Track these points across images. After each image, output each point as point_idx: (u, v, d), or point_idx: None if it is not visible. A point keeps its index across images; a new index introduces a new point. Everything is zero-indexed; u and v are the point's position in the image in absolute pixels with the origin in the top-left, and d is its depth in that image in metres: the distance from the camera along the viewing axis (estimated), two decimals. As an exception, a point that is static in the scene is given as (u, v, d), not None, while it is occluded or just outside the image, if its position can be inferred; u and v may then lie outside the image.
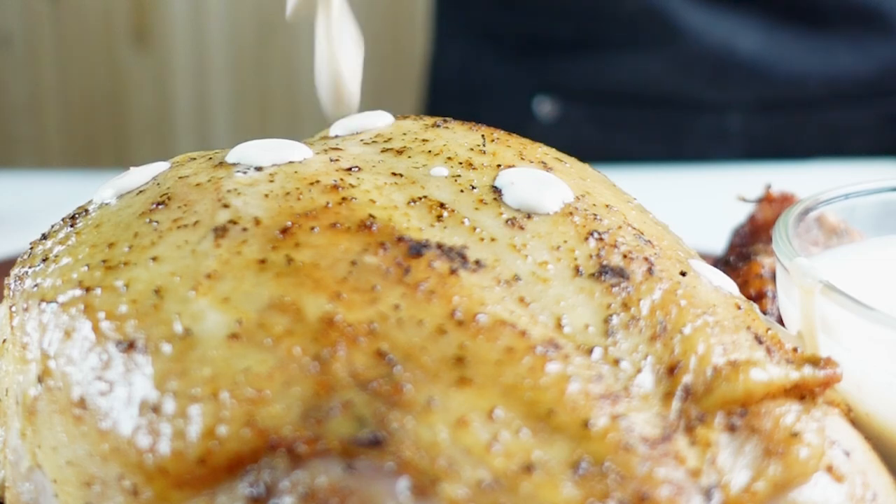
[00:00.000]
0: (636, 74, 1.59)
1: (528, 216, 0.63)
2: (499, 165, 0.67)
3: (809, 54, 1.57)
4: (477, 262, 0.59)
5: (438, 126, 0.72)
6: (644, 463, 0.52)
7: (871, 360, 0.65)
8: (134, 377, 0.56)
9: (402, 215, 0.62)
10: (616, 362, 0.57)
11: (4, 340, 0.64)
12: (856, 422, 0.63)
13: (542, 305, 0.58)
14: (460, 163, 0.67)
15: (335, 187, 0.63)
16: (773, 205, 0.85)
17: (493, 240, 0.61)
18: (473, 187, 0.65)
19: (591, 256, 0.61)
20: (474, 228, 0.62)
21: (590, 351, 0.57)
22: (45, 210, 0.72)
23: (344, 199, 0.62)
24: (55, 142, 2.56)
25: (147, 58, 2.48)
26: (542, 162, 0.69)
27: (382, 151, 0.69)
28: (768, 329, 0.62)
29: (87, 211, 0.67)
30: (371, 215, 0.61)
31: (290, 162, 0.66)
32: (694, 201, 1.20)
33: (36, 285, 0.63)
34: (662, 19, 1.55)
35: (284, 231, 0.60)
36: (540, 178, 0.66)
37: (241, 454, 0.53)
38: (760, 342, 0.60)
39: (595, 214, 0.64)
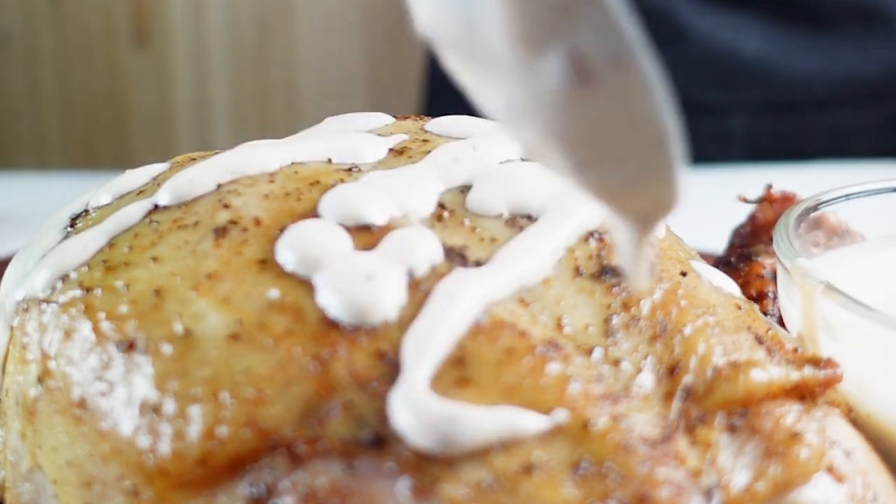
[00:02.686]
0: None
1: (528, 216, 0.63)
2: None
3: (813, 56, 1.57)
4: (477, 263, 0.59)
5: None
6: (644, 463, 0.52)
7: (872, 360, 0.64)
8: (134, 378, 0.56)
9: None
10: (616, 362, 0.57)
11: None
12: (856, 422, 0.63)
13: (543, 306, 0.58)
14: (460, 163, 0.67)
15: (335, 188, 0.63)
16: (774, 205, 0.85)
17: (493, 240, 0.61)
18: (474, 187, 0.65)
19: (591, 256, 0.61)
20: (474, 228, 0.62)
21: (590, 351, 0.57)
22: (45, 210, 0.72)
23: (344, 199, 0.62)
24: (55, 142, 2.56)
25: (147, 58, 2.48)
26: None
27: (383, 151, 0.69)
28: (769, 329, 0.62)
29: (86, 212, 0.67)
30: (371, 215, 0.61)
31: (292, 162, 0.66)
32: (695, 201, 1.20)
33: (36, 285, 0.63)
34: (666, 21, 1.55)
35: (284, 230, 0.60)
36: (540, 179, 0.66)
37: (241, 454, 0.53)
38: (761, 342, 0.60)
39: (595, 215, 0.64)
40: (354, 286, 0.56)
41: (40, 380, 0.59)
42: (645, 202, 0.48)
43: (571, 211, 0.63)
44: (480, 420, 0.52)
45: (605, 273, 0.60)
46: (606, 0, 0.43)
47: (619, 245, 0.50)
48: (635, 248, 0.50)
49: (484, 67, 0.46)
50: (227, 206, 0.62)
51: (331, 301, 0.56)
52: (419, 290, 0.57)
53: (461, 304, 0.56)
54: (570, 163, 0.47)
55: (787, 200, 0.85)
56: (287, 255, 0.58)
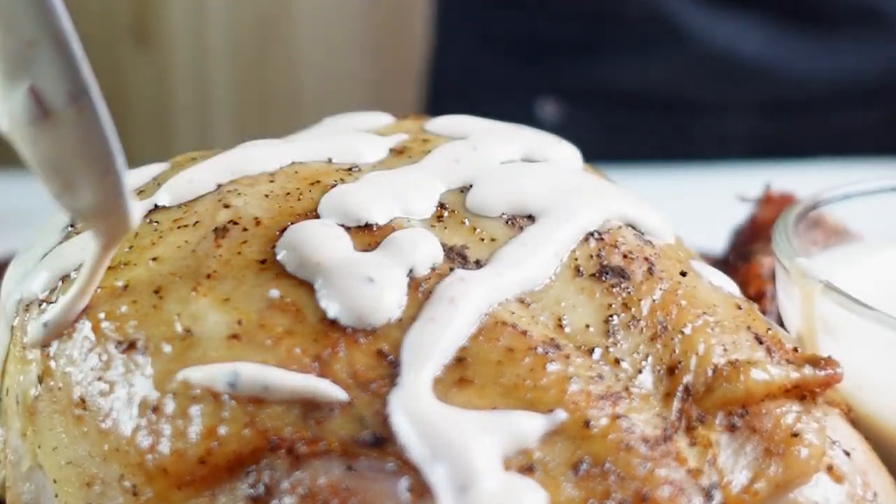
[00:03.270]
0: (639, 76, 1.59)
1: (528, 216, 0.63)
2: (499, 166, 0.67)
3: (812, 56, 1.57)
4: (477, 263, 0.59)
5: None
6: (644, 463, 0.52)
7: (871, 359, 0.65)
8: (134, 377, 0.56)
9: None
10: (616, 362, 0.57)
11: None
12: (856, 422, 0.63)
13: (543, 306, 0.58)
14: (460, 163, 0.67)
15: (335, 188, 0.63)
16: (773, 205, 0.85)
17: (493, 240, 0.61)
18: (474, 187, 0.65)
19: (591, 256, 0.61)
20: (474, 228, 0.62)
21: (590, 351, 0.57)
22: (45, 210, 0.72)
23: (344, 199, 0.62)
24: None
25: (147, 58, 2.48)
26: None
27: (382, 151, 0.69)
28: (768, 329, 0.62)
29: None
30: (371, 215, 0.61)
31: (292, 162, 0.66)
32: (694, 201, 1.20)
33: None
34: (666, 21, 1.55)
35: (284, 231, 0.60)
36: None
37: (241, 454, 0.53)
38: (761, 342, 0.60)
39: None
40: (355, 290, 0.56)
41: (41, 379, 0.59)
42: (104, 225, 0.57)
43: (571, 211, 0.63)
44: (480, 425, 0.52)
45: (606, 273, 0.60)
46: (64, 45, 0.51)
47: (86, 255, 0.58)
48: (98, 260, 0.58)
49: None
50: (227, 206, 0.62)
51: (331, 305, 0.56)
52: (419, 291, 0.57)
53: (461, 304, 0.56)
54: (47, 187, 0.56)
55: (786, 200, 0.85)
56: (287, 257, 0.58)
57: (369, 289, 0.56)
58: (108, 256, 0.58)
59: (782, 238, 0.71)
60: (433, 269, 0.58)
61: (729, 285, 0.65)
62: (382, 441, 0.52)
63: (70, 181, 0.55)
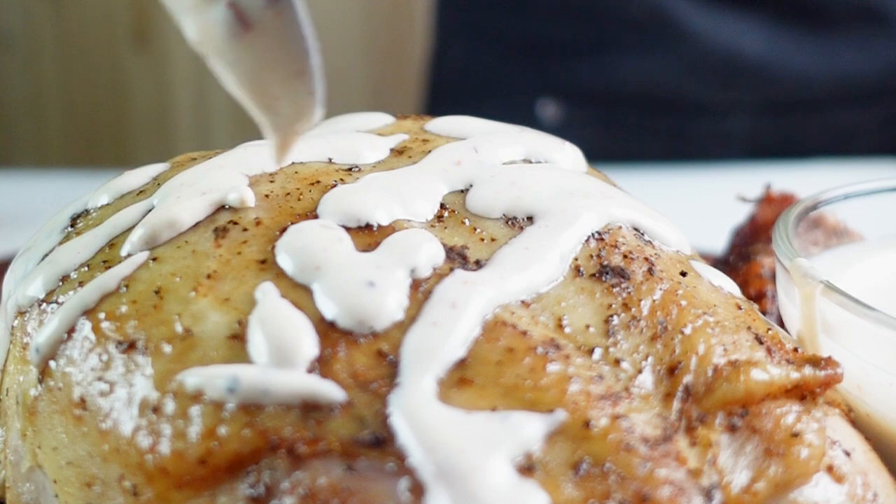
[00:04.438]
0: (640, 76, 1.59)
1: (529, 217, 0.63)
2: (499, 166, 0.67)
3: (814, 56, 1.57)
4: (477, 263, 0.59)
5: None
6: (645, 463, 0.52)
7: (872, 360, 0.64)
8: (134, 378, 0.56)
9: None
10: (617, 362, 0.57)
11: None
12: (856, 422, 0.63)
13: (543, 306, 0.58)
14: (460, 163, 0.67)
15: (335, 188, 0.63)
16: (774, 205, 0.85)
17: (493, 240, 0.61)
18: (474, 187, 0.65)
19: (591, 257, 0.61)
20: (475, 229, 0.62)
21: (590, 351, 0.57)
22: (45, 210, 0.72)
23: (344, 199, 0.62)
24: (55, 141, 2.56)
25: (147, 58, 2.48)
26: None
27: (383, 152, 0.69)
28: (769, 329, 0.62)
29: (87, 212, 0.67)
30: (371, 215, 0.61)
31: (292, 162, 0.66)
32: (695, 201, 1.20)
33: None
34: (667, 21, 1.55)
35: (285, 231, 0.60)
36: (540, 179, 0.66)
37: (241, 455, 0.53)
38: (761, 342, 0.60)
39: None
40: (355, 294, 0.56)
41: (41, 380, 0.59)
42: (292, 123, 0.59)
43: (572, 212, 0.63)
44: (480, 426, 0.52)
45: (606, 273, 0.60)
46: None
47: (269, 142, 0.61)
48: (280, 149, 0.61)
49: (175, 6, 0.54)
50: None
51: (331, 308, 0.56)
52: (420, 291, 0.57)
53: (464, 309, 0.56)
54: (251, 108, 0.57)
55: (786, 200, 0.85)
56: (286, 260, 0.58)
57: (370, 293, 0.56)
58: (288, 147, 0.60)
59: (782, 238, 0.71)
60: (434, 269, 0.58)
61: (729, 285, 0.65)
62: (382, 441, 0.52)
63: (270, 94, 0.57)
